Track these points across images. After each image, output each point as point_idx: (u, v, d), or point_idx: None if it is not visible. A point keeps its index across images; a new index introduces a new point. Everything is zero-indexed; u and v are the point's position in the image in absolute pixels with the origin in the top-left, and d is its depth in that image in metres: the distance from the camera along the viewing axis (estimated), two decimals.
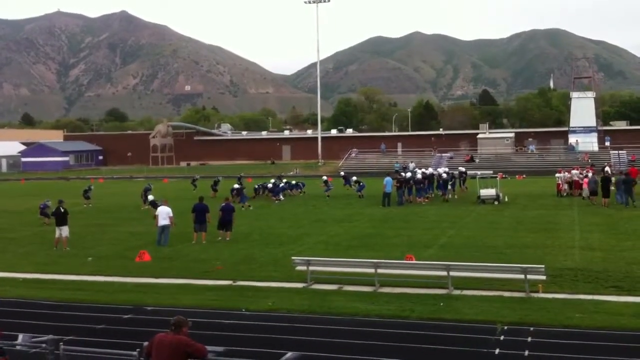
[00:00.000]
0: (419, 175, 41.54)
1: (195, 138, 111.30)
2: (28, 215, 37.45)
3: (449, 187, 41.57)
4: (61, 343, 9.40)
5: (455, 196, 41.69)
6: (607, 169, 43.31)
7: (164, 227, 24.71)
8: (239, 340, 12.41)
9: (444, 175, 41.67)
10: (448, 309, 14.37)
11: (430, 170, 44.52)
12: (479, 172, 44.37)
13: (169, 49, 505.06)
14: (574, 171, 42.34)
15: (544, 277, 15.64)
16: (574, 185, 40.66)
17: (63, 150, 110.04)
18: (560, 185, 40.98)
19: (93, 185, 49.50)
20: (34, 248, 25.15)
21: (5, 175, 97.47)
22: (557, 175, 42.54)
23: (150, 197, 36.26)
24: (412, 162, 69.38)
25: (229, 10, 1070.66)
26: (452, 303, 14.84)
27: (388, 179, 38.97)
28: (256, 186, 45.50)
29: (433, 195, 41.13)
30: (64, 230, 24.51)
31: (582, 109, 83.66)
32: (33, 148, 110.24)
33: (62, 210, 24.59)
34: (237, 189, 41.15)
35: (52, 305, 15.77)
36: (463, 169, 48.29)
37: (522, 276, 15.54)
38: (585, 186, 37.96)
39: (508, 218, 30.95)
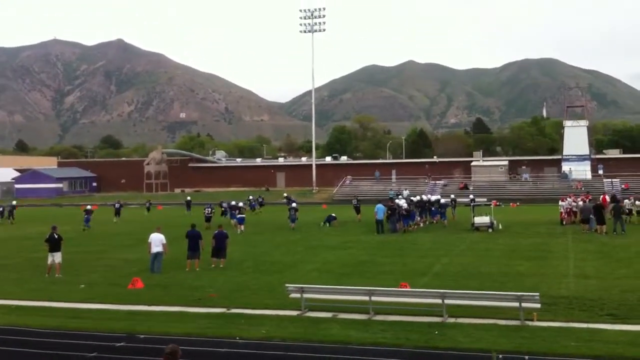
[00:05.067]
0: (402, 203, 40.43)
1: (190, 165, 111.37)
2: (21, 242, 37.30)
3: (417, 216, 41.33)
4: None
5: (445, 222, 42.51)
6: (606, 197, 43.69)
7: (156, 254, 24.58)
8: None
9: (404, 206, 39.50)
10: (443, 337, 14.28)
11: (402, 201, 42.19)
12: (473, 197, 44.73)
13: (165, 76, 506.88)
14: (568, 199, 42.55)
15: (538, 305, 15.59)
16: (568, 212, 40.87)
17: (57, 176, 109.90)
18: (563, 214, 41.02)
19: None
20: (26, 275, 24.94)
21: None
22: (560, 203, 42.56)
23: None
24: (406, 190, 69.50)
25: (224, 39, 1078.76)
26: (447, 331, 14.75)
27: (379, 206, 38.84)
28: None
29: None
30: (57, 257, 24.38)
31: (575, 137, 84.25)
32: (27, 175, 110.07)
33: (57, 236, 24.53)
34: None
35: (44, 333, 15.59)
36: (453, 196, 48.90)
37: (517, 304, 15.48)
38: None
39: (502, 246, 30.95)
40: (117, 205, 55.43)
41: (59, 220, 47.35)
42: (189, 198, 65.59)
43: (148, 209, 64.61)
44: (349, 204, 57.17)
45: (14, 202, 58.34)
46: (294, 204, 46.56)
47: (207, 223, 44.18)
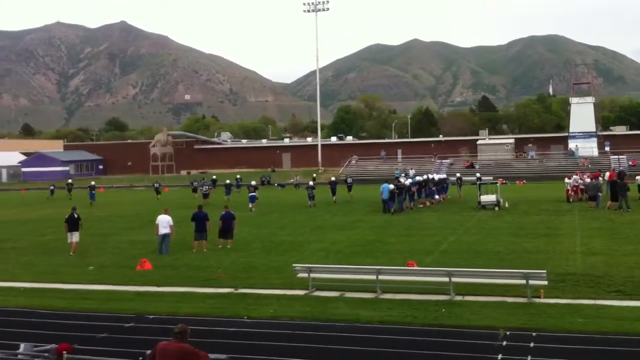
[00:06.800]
0: (407, 182, 41.16)
1: (196, 147, 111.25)
2: (29, 225, 37.50)
3: (437, 195, 42.82)
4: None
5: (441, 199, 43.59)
6: (607, 174, 43.46)
7: (164, 236, 24.71)
8: (241, 348, 12.38)
9: (407, 182, 40.62)
10: (450, 315, 14.34)
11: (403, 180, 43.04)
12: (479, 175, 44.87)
13: (169, 58, 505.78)
14: (574, 176, 42.45)
15: (545, 282, 15.62)
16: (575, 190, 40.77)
17: (63, 160, 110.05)
18: (569, 191, 40.96)
19: None
20: (34, 257, 25.11)
21: (5, 185, 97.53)
22: (566, 181, 42.50)
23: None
24: (412, 169, 69.42)
25: (228, 20, 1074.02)
26: (454, 309, 14.82)
27: (385, 185, 38.79)
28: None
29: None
30: (75, 236, 25.19)
31: (582, 114, 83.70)
32: (33, 158, 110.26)
33: (76, 216, 25.50)
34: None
35: (53, 314, 15.74)
36: (459, 175, 49.15)
37: (523, 281, 15.52)
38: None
39: (509, 224, 30.92)
40: (156, 185, 59.69)
41: (66, 203, 47.57)
42: (214, 177, 68.29)
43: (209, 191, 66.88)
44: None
45: (70, 180, 67.71)
46: (310, 183, 47.01)
47: (205, 199, 45.29)
